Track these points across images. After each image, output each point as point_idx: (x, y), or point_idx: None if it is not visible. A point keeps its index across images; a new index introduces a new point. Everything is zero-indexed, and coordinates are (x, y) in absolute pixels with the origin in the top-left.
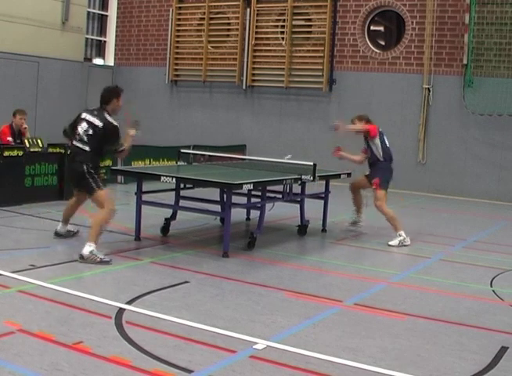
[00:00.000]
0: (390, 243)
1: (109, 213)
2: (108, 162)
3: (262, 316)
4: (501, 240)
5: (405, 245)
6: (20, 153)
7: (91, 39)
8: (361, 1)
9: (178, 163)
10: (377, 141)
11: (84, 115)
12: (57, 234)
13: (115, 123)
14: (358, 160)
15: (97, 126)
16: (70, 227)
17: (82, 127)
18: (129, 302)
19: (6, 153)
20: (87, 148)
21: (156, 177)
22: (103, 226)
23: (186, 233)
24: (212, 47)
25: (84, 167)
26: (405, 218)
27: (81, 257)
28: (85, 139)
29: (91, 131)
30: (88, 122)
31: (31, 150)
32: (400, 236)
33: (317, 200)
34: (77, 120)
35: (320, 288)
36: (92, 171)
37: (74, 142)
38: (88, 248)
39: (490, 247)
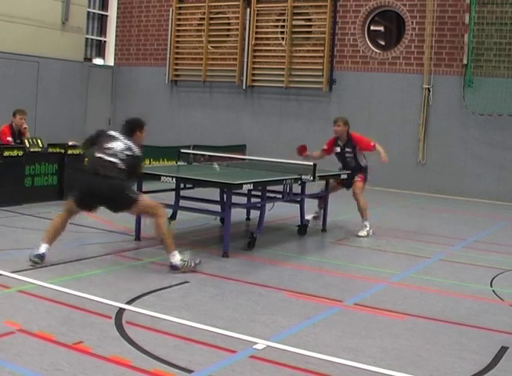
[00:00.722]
0: (359, 233)
1: (163, 212)
2: None
3: (262, 316)
4: (501, 240)
5: (370, 234)
6: (20, 153)
7: (91, 39)
8: (361, 1)
9: (178, 163)
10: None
11: (114, 133)
12: (41, 258)
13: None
14: (318, 156)
15: (133, 150)
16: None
17: (119, 145)
18: (129, 302)
19: (6, 153)
20: (123, 166)
21: (156, 177)
22: (166, 228)
23: (186, 233)
24: (212, 47)
25: (123, 183)
26: (405, 218)
27: (175, 268)
28: (122, 156)
29: (129, 153)
30: (126, 144)
31: (31, 150)
32: (366, 227)
33: (317, 200)
34: (101, 135)
35: (320, 288)
36: (128, 185)
37: (104, 156)
38: (175, 258)
39: (490, 247)
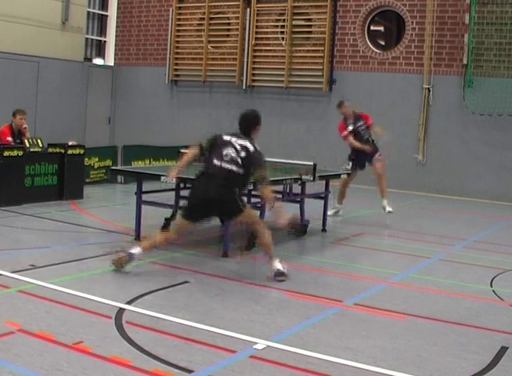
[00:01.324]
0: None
1: (263, 226)
2: (108, 162)
3: (262, 316)
4: (501, 240)
5: (337, 215)
6: (20, 153)
7: (91, 39)
8: (361, 1)
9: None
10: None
11: (228, 138)
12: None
13: (261, 152)
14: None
15: (249, 149)
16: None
17: (235, 149)
18: (129, 302)
19: (6, 153)
20: (241, 171)
21: (156, 177)
22: (268, 239)
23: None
24: (212, 47)
25: (236, 191)
26: (405, 218)
27: (281, 274)
28: (239, 161)
29: (243, 154)
30: (241, 145)
31: (31, 150)
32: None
33: (317, 200)
34: (216, 141)
35: (320, 288)
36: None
37: (221, 164)
38: (277, 265)
39: (490, 247)
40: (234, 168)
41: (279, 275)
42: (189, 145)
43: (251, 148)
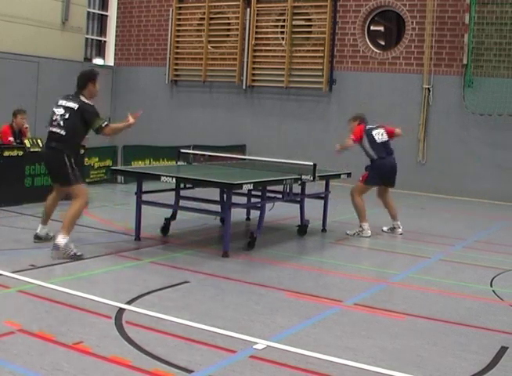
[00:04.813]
0: (348, 232)
1: (83, 205)
2: (108, 162)
3: (262, 316)
4: (501, 240)
5: (363, 236)
6: (20, 153)
7: (91, 39)
8: (361, 1)
9: (178, 163)
10: (364, 142)
11: (60, 101)
12: (37, 237)
13: (90, 103)
14: (350, 144)
15: (72, 108)
16: (48, 230)
17: (58, 111)
18: (129, 302)
19: (6, 153)
20: (63, 132)
21: (156, 177)
22: (76, 217)
23: (186, 233)
24: (212, 47)
25: (65, 157)
26: (406, 218)
27: (56, 247)
28: (62, 123)
29: (67, 115)
30: (64, 107)
31: (32, 150)
32: (362, 229)
33: (317, 200)
34: (54, 107)
35: (320, 288)
36: (72, 161)
37: (50, 128)
38: (62, 240)
39: (490, 247)
40: (56, 129)
41: (55, 248)
42: (189, 145)
43: (75, 106)
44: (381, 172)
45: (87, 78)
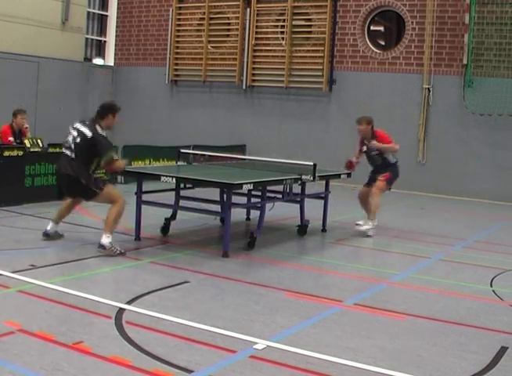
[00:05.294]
0: (360, 224)
1: (123, 204)
2: None
3: (262, 316)
4: (501, 240)
5: (368, 235)
6: (20, 153)
7: (92, 39)
8: (361, 1)
9: (178, 163)
10: None
11: (75, 125)
12: (46, 235)
13: (104, 134)
14: (358, 158)
15: (85, 135)
16: (58, 228)
17: (72, 135)
18: (129, 302)
19: (6, 153)
20: (73, 155)
21: (156, 177)
22: (119, 217)
23: (186, 233)
24: (212, 47)
25: (79, 178)
26: (406, 218)
27: (102, 246)
28: (72, 146)
29: (78, 140)
30: (79, 131)
31: (31, 150)
32: (371, 224)
33: (317, 200)
34: (70, 130)
35: (320, 288)
36: (85, 177)
37: (63, 149)
38: (107, 239)
39: (490, 247)
40: (68, 152)
41: (101, 247)
42: (189, 145)
43: (89, 134)
44: (398, 174)
45: (108, 109)
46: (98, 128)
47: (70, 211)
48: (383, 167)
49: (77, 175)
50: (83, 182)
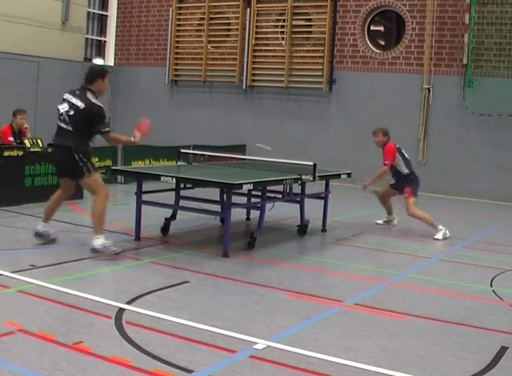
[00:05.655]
0: (435, 237)
1: (106, 197)
2: (108, 162)
3: (262, 316)
4: (501, 240)
5: (447, 237)
6: (20, 153)
7: (92, 39)
8: (361, 1)
9: (178, 163)
10: (398, 159)
11: (66, 96)
12: (38, 235)
13: (98, 103)
14: (381, 173)
15: (78, 107)
16: (49, 229)
17: (63, 107)
18: (129, 302)
19: (6, 153)
20: (70, 128)
21: (156, 177)
22: (104, 213)
23: (186, 233)
24: (212, 47)
25: (73, 153)
26: (406, 218)
27: (95, 250)
28: (67, 119)
29: (71, 112)
30: (69, 102)
31: (31, 150)
32: (441, 229)
33: (317, 200)
34: (61, 101)
35: (320, 288)
36: (81, 155)
37: (58, 123)
38: (98, 241)
39: (490, 247)
40: (64, 125)
41: (94, 251)
42: (189, 145)
43: (81, 105)
44: (417, 183)
45: (97, 74)
46: (89, 95)
47: (58, 205)
48: (397, 177)
49: (74, 148)
50: (76, 158)
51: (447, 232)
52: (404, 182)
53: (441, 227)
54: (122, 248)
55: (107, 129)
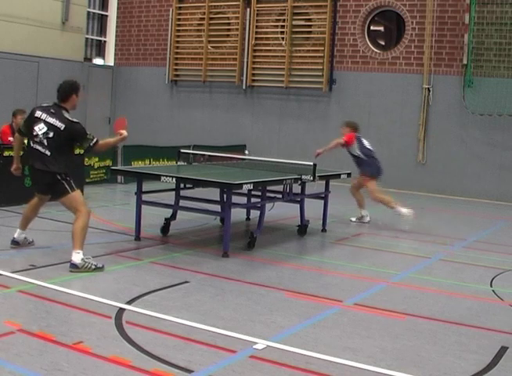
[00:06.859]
0: (401, 213)
1: (88, 215)
2: (108, 162)
3: (262, 316)
4: (501, 240)
5: (408, 215)
6: (20, 153)
7: (91, 39)
8: (361, 1)
9: (178, 163)
10: (354, 146)
11: (39, 114)
12: (15, 242)
13: (75, 120)
14: (334, 144)
15: (58, 128)
16: (26, 235)
17: (40, 128)
18: (129, 302)
19: (6, 153)
20: (47, 152)
21: (156, 177)
22: (85, 230)
23: (186, 233)
24: (212, 47)
25: (56, 175)
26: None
27: (74, 266)
28: (45, 142)
29: (51, 134)
30: (47, 123)
31: None
32: (402, 208)
33: (317, 200)
34: (31, 118)
35: (320, 288)
36: (64, 175)
37: (32, 145)
38: (77, 256)
39: (490, 247)
40: (40, 148)
41: (73, 267)
42: (189, 145)
43: (61, 126)
44: (377, 169)
45: (71, 90)
46: (66, 114)
47: (35, 213)
48: (356, 162)
49: (52, 171)
50: (58, 178)
51: (410, 210)
52: (361, 168)
53: (400, 209)
54: (102, 263)
55: (95, 140)
